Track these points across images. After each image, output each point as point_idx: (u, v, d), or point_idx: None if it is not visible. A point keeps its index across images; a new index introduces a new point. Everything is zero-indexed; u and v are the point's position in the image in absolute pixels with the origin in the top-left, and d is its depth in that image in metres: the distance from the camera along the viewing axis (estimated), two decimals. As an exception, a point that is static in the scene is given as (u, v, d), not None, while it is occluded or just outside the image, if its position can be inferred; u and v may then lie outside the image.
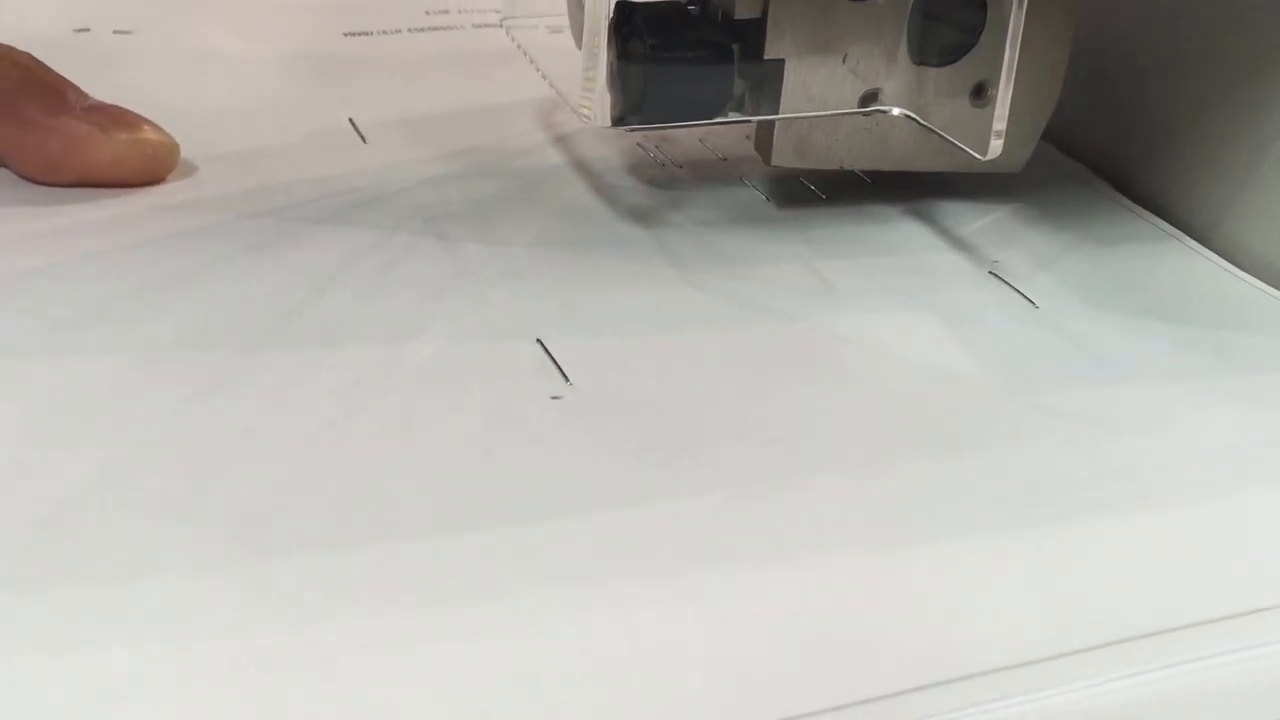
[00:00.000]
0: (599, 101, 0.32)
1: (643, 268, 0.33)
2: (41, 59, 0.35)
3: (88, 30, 0.46)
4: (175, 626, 0.21)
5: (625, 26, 0.33)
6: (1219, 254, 0.35)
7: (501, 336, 0.30)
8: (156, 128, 0.36)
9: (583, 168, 0.38)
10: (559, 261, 0.33)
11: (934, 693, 0.21)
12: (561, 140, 0.40)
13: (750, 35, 0.33)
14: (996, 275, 0.33)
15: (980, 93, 0.33)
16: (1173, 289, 0.34)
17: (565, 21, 0.35)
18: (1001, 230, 0.36)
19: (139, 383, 0.27)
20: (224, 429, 0.26)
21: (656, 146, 0.39)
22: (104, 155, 0.35)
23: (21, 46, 0.35)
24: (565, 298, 0.31)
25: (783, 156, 0.35)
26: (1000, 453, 0.27)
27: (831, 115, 0.34)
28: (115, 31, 0.46)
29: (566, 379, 0.28)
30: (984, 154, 0.32)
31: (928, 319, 0.31)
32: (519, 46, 0.37)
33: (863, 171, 0.38)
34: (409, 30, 0.48)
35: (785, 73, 0.33)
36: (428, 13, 0.50)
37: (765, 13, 0.33)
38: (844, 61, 0.33)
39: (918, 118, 0.34)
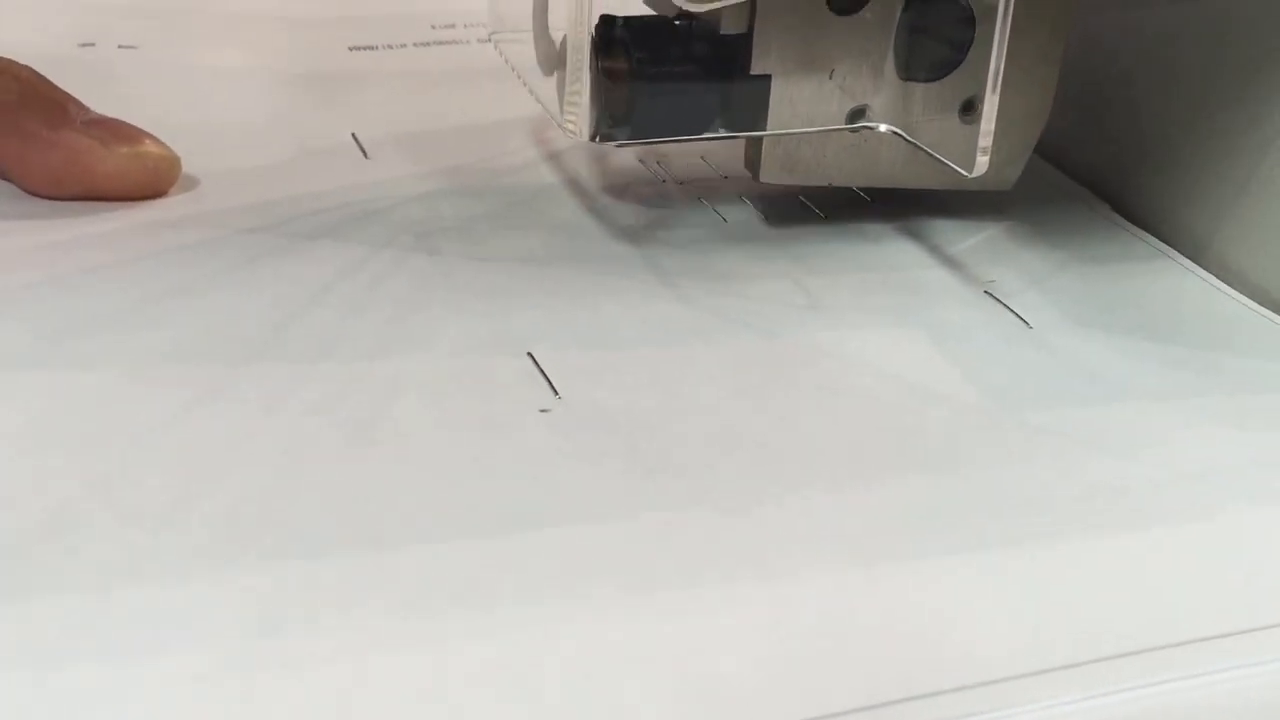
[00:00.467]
0: (582, 117, 0.32)
1: (632, 283, 0.33)
2: (46, 74, 0.36)
3: (93, 45, 0.46)
4: (159, 637, 0.21)
5: (610, 41, 0.33)
6: (1210, 270, 0.35)
7: (492, 350, 0.30)
8: (158, 141, 0.36)
9: (575, 184, 0.38)
10: (549, 278, 0.33)
11: (918, 705, 0.21)
12: (555, 157, 0.40)
13: (737, 51, 0.33)
14: (991, 294, 0.33)
15: (969, 109, 0.33)
16: (1165, 307, 0.33)
17: (554, 36, 0.35)
18: (994, 248, 0.36)
19: (135, 393, 0.27)
20: (219, 438, 0.26)
21: (657, 162, 0.39)
22: (106, 168, 0.35)
23: (26, 61, 0.36)
24: (555, 313, 0.31)
25: (771, 173, 0.35)
26: (989, 470, 0.27)
27: (819, 132, 0.34)
28: (120, 46, 0.46)
29: (556, 392, 0.28)
30: (970, 171, 0.32)
31: (918, 336, 0.31)
32: (507, 62, 0.37)
33: (860, 189, 0.37)
34: (414, 45, 0.49)
35: (772, 89, 0.33)
36: (434, 27, 0.50)
37: (751, 28, 0.33)
38: (831, 77, 0.33)
39: (905, 134, 0.34)
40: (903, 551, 0.24)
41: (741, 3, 0.32)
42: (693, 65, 0.33)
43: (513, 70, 0.37)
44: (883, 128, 0.34)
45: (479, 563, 0.23)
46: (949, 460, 0.27)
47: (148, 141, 0.36)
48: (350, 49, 0.48)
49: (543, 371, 0.29)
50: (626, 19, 0.34)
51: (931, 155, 0.33)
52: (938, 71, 0.33)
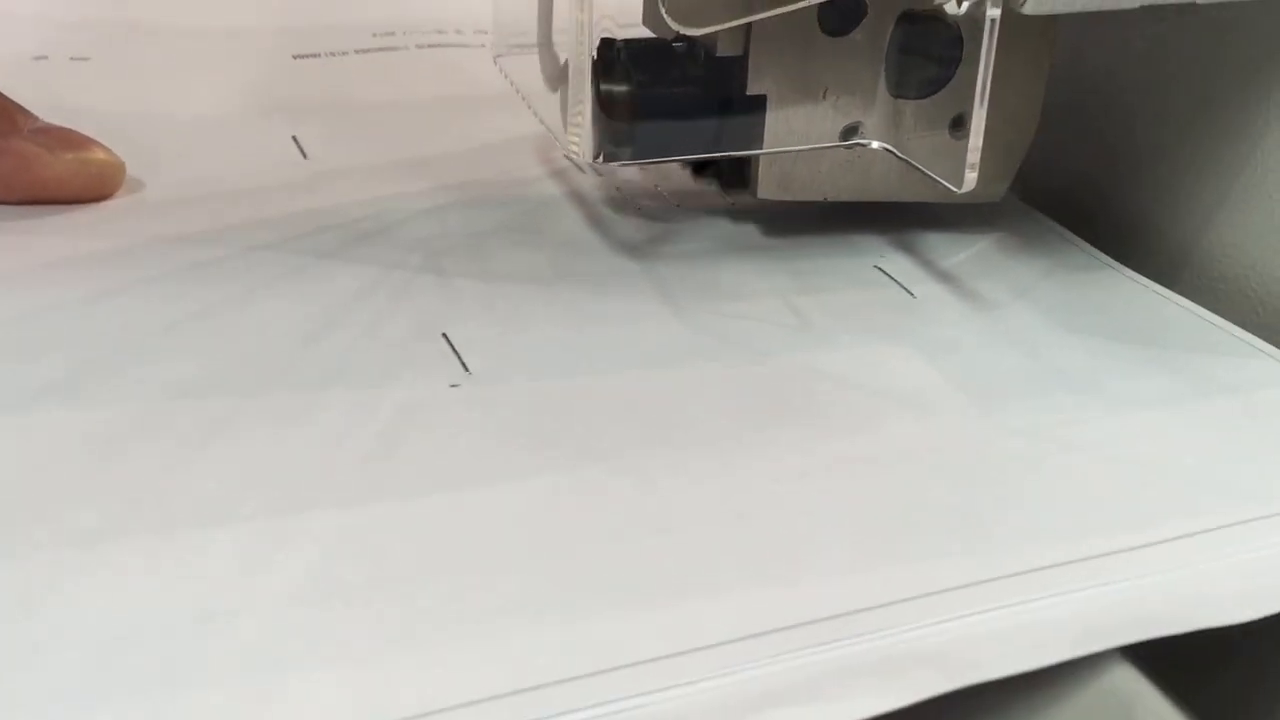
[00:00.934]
0: (585, 139, 0.32)
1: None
2: (1, 85, 0.37)
3: (46, 58, 0.47)
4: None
5: (611, 64, 0.34)
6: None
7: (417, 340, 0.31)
8: (103, 147, 0.37)
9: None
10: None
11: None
12: (494, 150, 0.42)
13: (733, 72, 0.34)
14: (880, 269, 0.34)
15: (959, 124, 0.34)
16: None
17: (557, 53, 0.36)
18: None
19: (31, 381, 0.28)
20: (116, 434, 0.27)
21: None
22: (51, 174, 0.36)
23: None
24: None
25: (768, 189, 0.36)
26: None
27: (813, 149, 0.35)
28: (73, 58, 0.47)
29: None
30: (959, 188, 0.32)
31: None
32: (511, 84, 0.38)
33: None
34: (356, 52, 0.50)
35: (767, 108, 0.34)
36: (375, 35, 0.51)
37: (747, 50, 0.34)
38: (824, 97, 0.34)
39: (896, 151, 0.35)
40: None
41: (737, 26, 0.33)
42: (691, 87, 0.34)
43: (517, 92, 0.38)
44: (875, 145, 0.35)
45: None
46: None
47: (93, 148, 0.37)
48: (294, 57, 0.49)
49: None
50: (627, 42, 0.35)
51: (923, 171, 0.34)
52: (927, 89, 0.34)
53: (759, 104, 0.34)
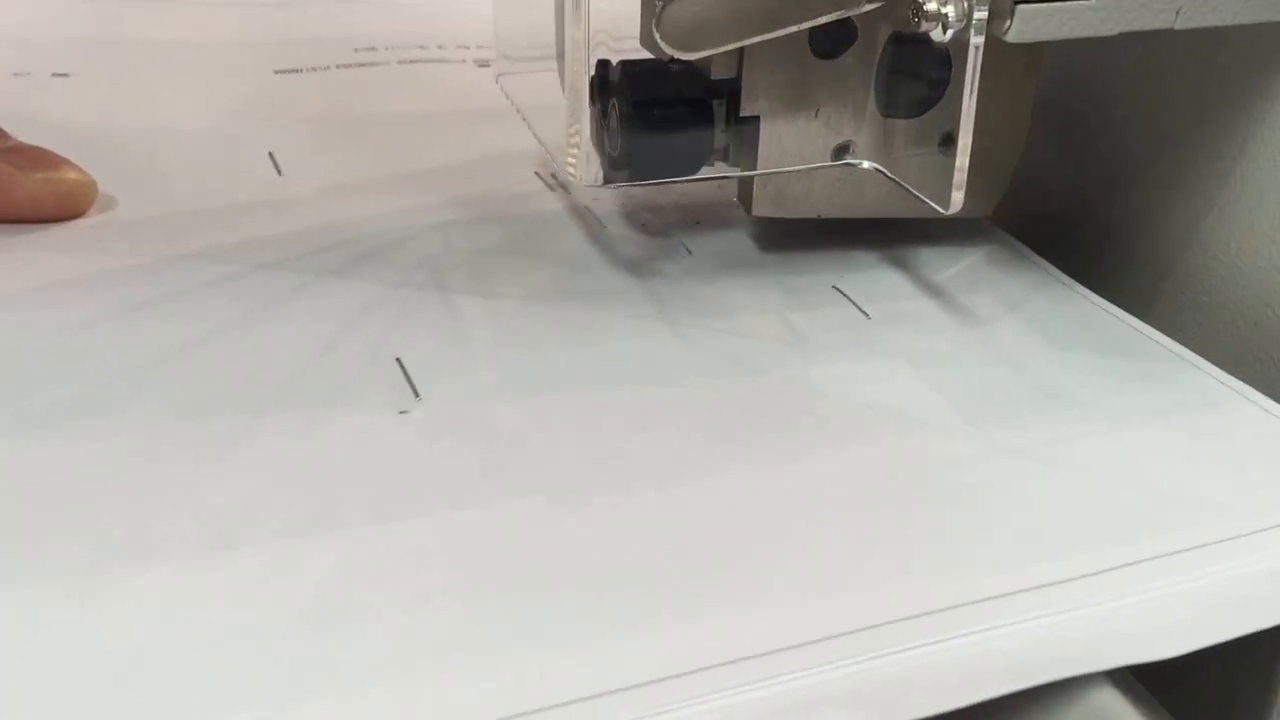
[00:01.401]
0: (582, 160, 0.33)
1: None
2: None
3: (28, 74, 0.48)
4: None
5: (608, 85, 0.35)
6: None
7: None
8: (75, 167, 0.38)
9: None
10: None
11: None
12: (486, 166, 0.42)
13: (727, 93, 0.35)
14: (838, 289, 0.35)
15: (948, 142, 0.35)
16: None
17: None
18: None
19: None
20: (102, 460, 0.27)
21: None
22: (24, 193, 0.37)
23: None
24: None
25: (763, 207, 0.37)
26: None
27: (807, 169, 0.36)
28: (54, 75, 0.48)
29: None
30: (946, 208, 0.33)
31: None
32: (513, 104, 0.39)
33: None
34: (337, 67, 0.51)
35: (761, 129, 0.35)
36: (356, 50, 0.52)
37: (740, 73, 0.34)
38: (816, 117, 0.35)
39: (886, 171, 0.36)
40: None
41: (730, 50, 0.33)
42: (687, 108, 0.35)
43: (517, 111, 0.39)
44: (865, 164, 0.36)
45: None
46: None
47: (65, 167, 0.38)
48: (275, 72, 0.50)
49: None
50: (623, 63, 0.35)
51: (911, 192, 0.35)
52: (917, 108, 0.35)
53: (752, 125, 0.35)
